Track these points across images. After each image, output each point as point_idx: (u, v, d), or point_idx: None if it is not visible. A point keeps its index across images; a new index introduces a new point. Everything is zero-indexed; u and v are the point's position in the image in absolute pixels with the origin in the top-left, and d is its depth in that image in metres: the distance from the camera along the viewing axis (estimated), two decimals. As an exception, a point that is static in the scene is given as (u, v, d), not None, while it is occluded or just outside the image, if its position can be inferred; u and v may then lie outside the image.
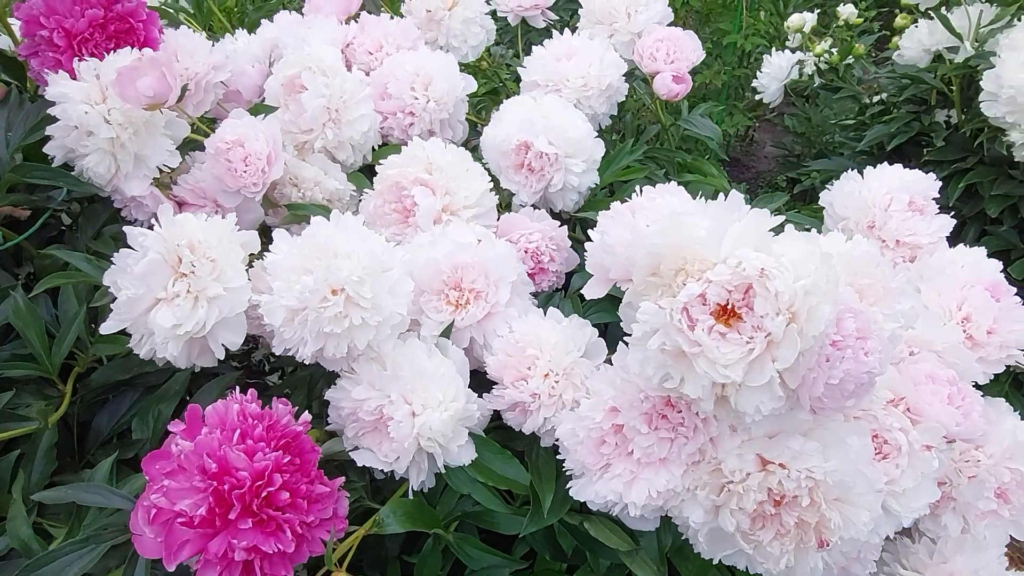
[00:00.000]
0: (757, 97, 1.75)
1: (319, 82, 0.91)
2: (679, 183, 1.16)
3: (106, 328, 0.68)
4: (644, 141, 1.23)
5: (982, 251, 0.85)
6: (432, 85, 0.98)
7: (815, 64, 1.63)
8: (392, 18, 1.07)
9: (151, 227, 0.92)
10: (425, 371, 0.67)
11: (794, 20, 1.61)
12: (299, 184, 0.92)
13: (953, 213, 0.91)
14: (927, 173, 1.41)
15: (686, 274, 0.54)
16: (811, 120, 2.63)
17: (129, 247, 0.70)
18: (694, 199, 1.08)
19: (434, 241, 0.73)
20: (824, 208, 0.94)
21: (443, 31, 1.11)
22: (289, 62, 0.94)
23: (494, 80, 1.25)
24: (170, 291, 0.66)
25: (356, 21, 1.08)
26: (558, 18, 1.27)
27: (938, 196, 0.89)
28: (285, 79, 0.93)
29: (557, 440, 0.67)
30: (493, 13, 1.18)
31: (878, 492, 0.60)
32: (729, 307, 0.53)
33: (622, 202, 0.65)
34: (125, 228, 0.69)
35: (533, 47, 1.07)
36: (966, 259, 0.82)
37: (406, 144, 0.99)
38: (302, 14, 1.13)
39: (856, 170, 1.66)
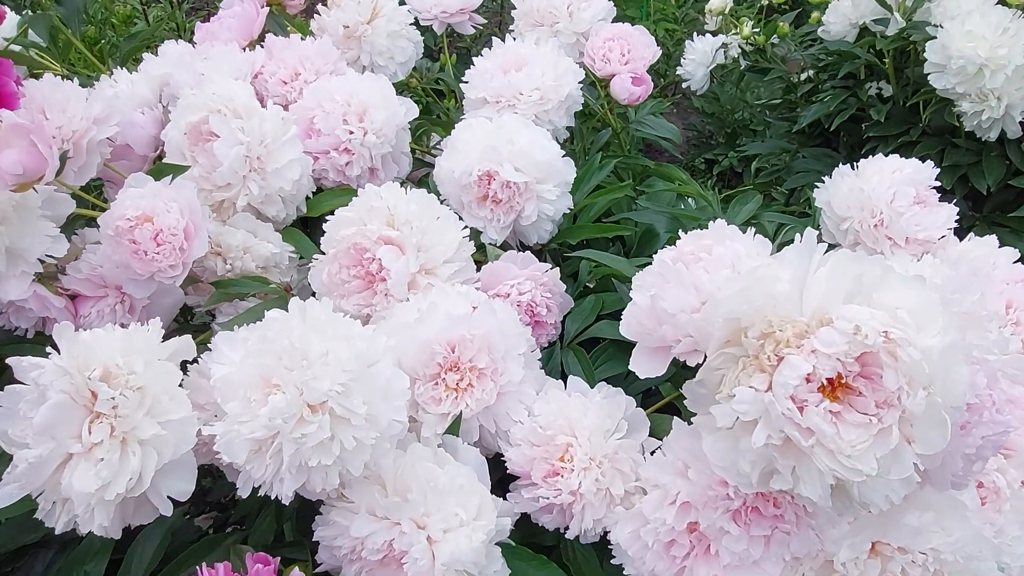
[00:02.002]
0: (684, 85, 1.68)
1: (232, 126, 0.75)
2: (647, 192, 1.07)
3: (0, 500, 0.51)
4: (598, 149, 1.13)
5: (993, 240, 0.79)
6: (368, 115, 0.83)
7: (740, 46, 1.58)
8: (303, 39, 0.91)
9: (39, 334, 0.73)
10: (439, 485, 0.53)
11: (715, 3, 1.55)
12: (224, 253, 0.75)
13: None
14: (874, 150, 1.39)
15: (776, 342, 0.44)
16: (720, 100, 2.63)
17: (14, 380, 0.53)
18: (675, 208, 0.99)
19: (422, 318, 0.59)
20: (819, 207, 0.87)
21: (366, 48, 0.96)
22: (191, 105, 0.76)
23: (424, 97, 1.11)
24: (87, 440, 0.49)
25: (261, 46, 0.91)
26: (486, 22, 1.14)
27: (937, 184, 0.83)
28: (188, 127, 0.76)
29: (611, 545, 0.55)
30: (415, 23, 1.03)
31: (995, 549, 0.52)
32: (842, 380, 0.42)
33: (673, 243, 0.53)
34: (11, 361, 0.51)
35: (475, 59, 0.93)
36: (984, 252, 0.76)
37: (344, 187, 0.85)
38: (192, 43, 0.95)
39: (795, 152, 1.63)
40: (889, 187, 0.80)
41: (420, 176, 0.97)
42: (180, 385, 0.53)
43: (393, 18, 0.96)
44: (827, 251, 0.47)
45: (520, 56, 0.91)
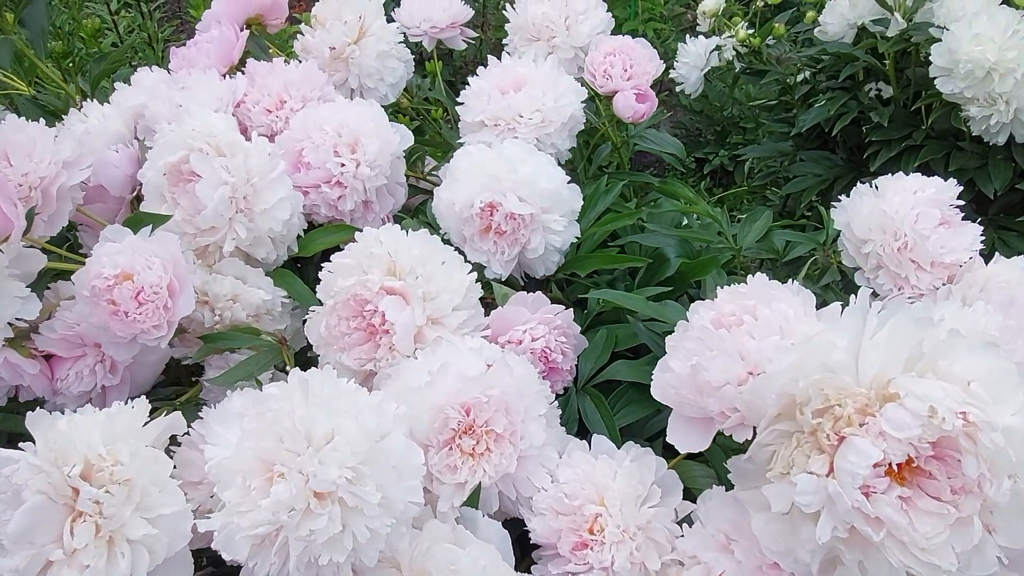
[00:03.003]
0: (679, 89, 1.64)
1: (215, 166, 0.69)
2: (652, 212, 1.03)
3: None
4: (599, 165, 1.09)
5: (1022, 262, 0.76)
6: (361, 145, 0.78)
7: (734, 48, 1.54)
8: (287, 62, 0.86)
9: (12, 400, 0.68)
10: (460, 568, 0.49)
11: (709, 5, 1.51)
12: (211, 302, 0.70)
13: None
14: (876, 154, 1.36)
15: (835, 418, 0.39)
16: (708, 97, 2.59)
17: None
18: (677, 226, 0.95)
19: (433, 380, 0.54)
20: (837, 229, 0.83)
21: (354, 71, 0.90)
22: (169, 143, 0.71)
23: (415, 113, 1.05)
24: (69, 544, 0.44)
25: (242, 72, 0.85)
26: (477, 35, 1.09)
27: (963, 203, 0.79)
28: (167, 167, 0.70)
29: (649, 623, 0.51)
30: (403, 40, 0.98)
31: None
32: (912, 463, 0.38)
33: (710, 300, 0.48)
34: (-23, 457, 0.46)
35: (470, 79, 0.88)
36: (1015, 276, 0.73)
37: (338, 223, 0.80)
38: (164, 53, 0.89)
39: (793, 155, 1.60)
40: (912, 208, 0.77)
41: (417, 204, 0.92)
42: (172, 469, 0.48)
43: (382, 37, 0.91)
44: (881, 310, 0.43)
45: (518, 76, 0.87)
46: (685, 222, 1.03)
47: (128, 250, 0.59)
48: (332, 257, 0.66)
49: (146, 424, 0.51)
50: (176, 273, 0.60)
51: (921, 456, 0.38)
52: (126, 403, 0.63)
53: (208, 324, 0.69)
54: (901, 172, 0.82)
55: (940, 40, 1.14)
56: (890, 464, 0.38)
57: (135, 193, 0.76)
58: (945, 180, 1.27)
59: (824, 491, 0.38)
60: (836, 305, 0.45)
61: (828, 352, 0.40)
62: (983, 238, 0.78)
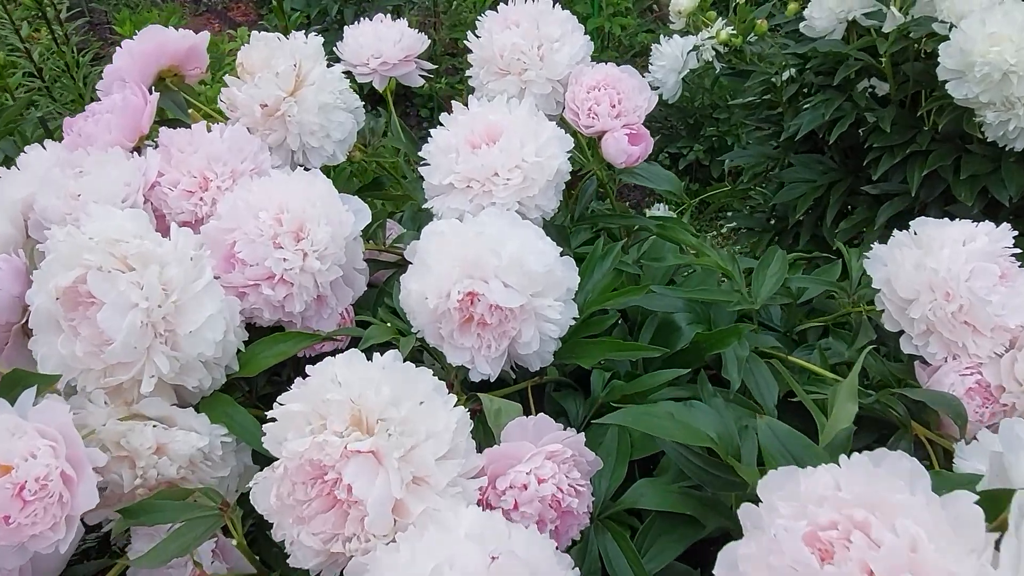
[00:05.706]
0: (655, 93, 1.51)
1: (123, 284, 0.55)
2: (644, 261, 0.90)
3: None
4: (585, 205, 0.96)
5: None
6: (307, 232, 0.64)
7: (714, 48, 1.41)
8: (210, 128, 0.70)
9: None
10: None
11: (683, 3, 1.38)
12: (132, 457, 0.55)
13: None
14: (877, 160, 1.25)
15: None
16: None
17: None
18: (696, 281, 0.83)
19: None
20: (874, 283, 0.71)
21: (292, 129, 0.75)
22: (61, 259, 0.56)
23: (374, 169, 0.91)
24: None
25: (154, 144, 0.70)
26: (435, 67, 0.94)
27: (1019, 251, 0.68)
28: (60, 291, 0.55)
29: None
30: (349, 78, 0.83)
31: None
32: None
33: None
34: None
35: (432, 132, 0.74)
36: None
37: (286, 332, 0.66)
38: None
39: (783, 159, 1.48)
40: (965, 263, 0.65)
41: (382, 282, 0.78)
42: None
43: (323, 86, 0.76)
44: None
45: (490, 125, 0.72)
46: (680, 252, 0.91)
47: (3, 433, 0.45)
48: (279, 398, 0.52)
49: None
50: (70, 455, 0.46)
51: None
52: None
53: (128, 486, 0.55)
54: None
55: (947, 38, 1.04)
56: None
57: (25, 318, 0.61)
58: (958, 190, 1.17)
59: None
60: (967, 498, 0.33)
61: None
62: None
